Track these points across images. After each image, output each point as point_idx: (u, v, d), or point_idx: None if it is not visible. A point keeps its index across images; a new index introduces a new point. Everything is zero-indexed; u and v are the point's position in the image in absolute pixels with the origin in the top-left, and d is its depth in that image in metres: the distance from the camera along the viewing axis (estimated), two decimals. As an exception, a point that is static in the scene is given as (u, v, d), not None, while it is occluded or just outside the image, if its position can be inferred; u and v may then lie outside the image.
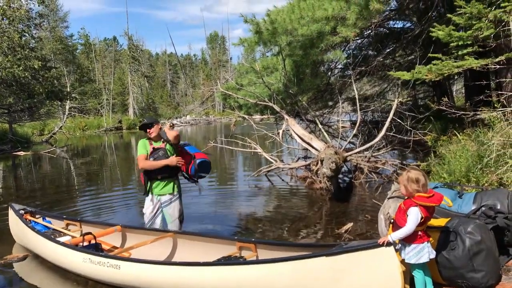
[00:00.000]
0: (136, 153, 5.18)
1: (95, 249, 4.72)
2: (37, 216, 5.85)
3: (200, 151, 5.36)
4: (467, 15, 5.40)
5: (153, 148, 4.94)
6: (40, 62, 23.51)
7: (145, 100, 53.82)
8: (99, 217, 7.39)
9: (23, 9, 23.39)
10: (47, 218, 5.89)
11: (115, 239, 5.30)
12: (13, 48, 22.59)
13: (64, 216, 5.95)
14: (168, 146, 4.96)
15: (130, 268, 4.00)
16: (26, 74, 22.65)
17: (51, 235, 5.15)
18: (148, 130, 4.96)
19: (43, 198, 9.45)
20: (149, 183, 4.97)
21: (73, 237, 5.11)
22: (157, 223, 5.05)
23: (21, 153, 20.09)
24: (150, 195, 5.00)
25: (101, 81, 55.25)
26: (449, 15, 5.74)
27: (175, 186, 5.04)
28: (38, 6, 24.92)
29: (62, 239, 5.01)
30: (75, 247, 4.60)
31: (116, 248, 5.13)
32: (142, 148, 4.95)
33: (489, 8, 5.36)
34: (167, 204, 5.01)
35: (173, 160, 4.87)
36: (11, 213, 5.80)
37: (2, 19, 22.91)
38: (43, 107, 27.35)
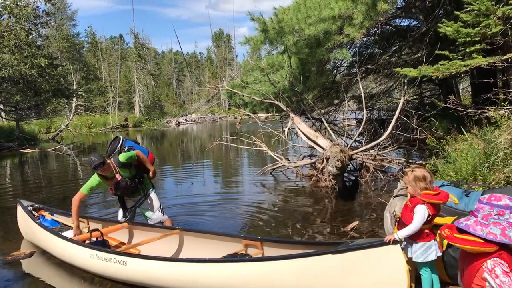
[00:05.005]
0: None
1: (102, 245, 4.77)
2: (45, 213, 5.91)
3: (147, 151, 5.47)
4: (475, 12, 5.36)
5: (114, 182, 5.03)
6: (46, 60, 23.54)
7: (151, 98, 53.89)
8: (106, 214, 7.43)
9: (29, 7, 23.49)
10: (55, 215, 5.94)
11: (122, 236, 5.35)
12: (20, 46, 22.62)
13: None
14: (122, 173, 5.04)
15: (137, 264, 4.04)
16: (33, 72, 22.73)
17: (59, 231, 5.20)
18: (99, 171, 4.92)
19: (50, 195, 9.51)
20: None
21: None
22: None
23: (28, 150, 20.20)
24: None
25: (107, 79, 55.44)
26: (456, 12, 5.70)
27: (143, 188, 5.30)
28: (45, 4, 24.98)
29: (69, 235, 5.05)
30: (82, 243, 4.65)
31: (123, 244, 5.18)
32: (89, 184, 4.96)
33: (497, 5, 5.32)
34: (141, 202, 5.32)
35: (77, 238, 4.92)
36: (19, 209, 5.86)
37: (9, 17, 23.01)
38: (50, 105, 27.47)
